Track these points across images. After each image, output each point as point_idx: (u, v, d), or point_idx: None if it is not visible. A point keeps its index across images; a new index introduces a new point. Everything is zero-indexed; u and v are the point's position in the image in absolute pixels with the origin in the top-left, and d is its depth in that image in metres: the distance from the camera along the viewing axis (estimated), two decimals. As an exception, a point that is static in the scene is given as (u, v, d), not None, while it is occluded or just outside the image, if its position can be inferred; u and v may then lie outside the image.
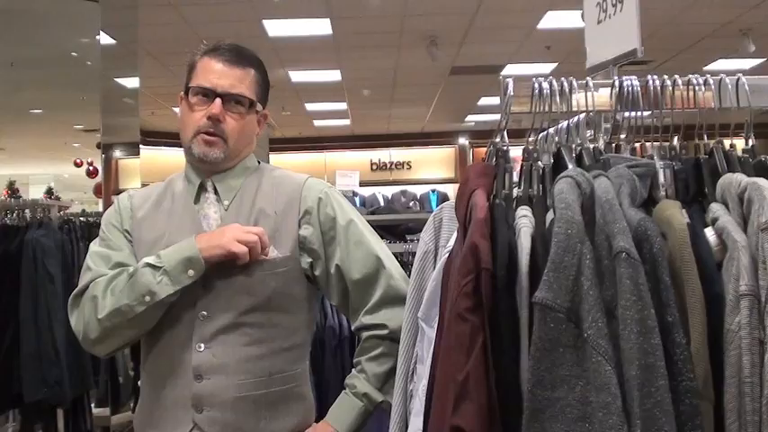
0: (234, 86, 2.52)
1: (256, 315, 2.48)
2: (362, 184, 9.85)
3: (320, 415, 2.65)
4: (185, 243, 2.42)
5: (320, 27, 10.11)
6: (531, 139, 2.07)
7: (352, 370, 2.62)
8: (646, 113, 2.16)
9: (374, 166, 20.45)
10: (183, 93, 2.59)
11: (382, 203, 17.00)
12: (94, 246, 2.60)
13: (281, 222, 2.54)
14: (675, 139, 2.09)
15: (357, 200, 11.35)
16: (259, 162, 2.71)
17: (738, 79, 2.15)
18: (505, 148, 2.07)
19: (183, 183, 2.63)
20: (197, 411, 2.42)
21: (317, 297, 2.70)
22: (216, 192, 2.58)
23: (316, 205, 2.57)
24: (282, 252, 2.51)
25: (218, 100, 2.48)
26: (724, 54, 11.89)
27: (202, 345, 2.44)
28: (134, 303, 2.38)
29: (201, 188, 2.59)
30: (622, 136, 2.17)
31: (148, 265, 2.40)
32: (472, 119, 19.12)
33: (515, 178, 2.04)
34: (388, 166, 20.59)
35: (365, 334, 2.60)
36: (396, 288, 2.57)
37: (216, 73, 2.52)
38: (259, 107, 2.61)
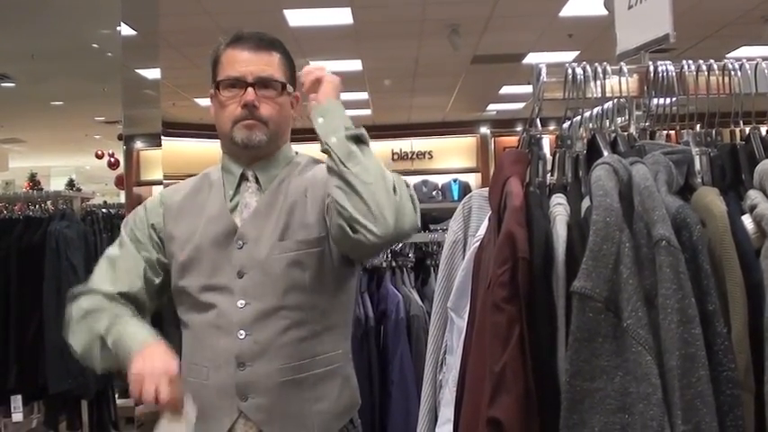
0: (263, 71, 2.51)
1: (295, 297, 2.46)
2: (384, 173, 9.82)
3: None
4: (135, 347, 2.38)
5: (341, 16, 10.05)
6: (564, 126, 2.05)
7: None
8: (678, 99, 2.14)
9: (395, 156, 20.35)
10: (212, 89, 2.58)
11: (403, 193, 16.96)
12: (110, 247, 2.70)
13: (314, 204, 2.51)
14: (708, 124, 2.07)
15: (379, 190, 11.33)
16: (296, 153, 2.71)
17: (775, 64, 2.13)
18: (539, 135, 2.04)
19: (220, 174, 2.63)
20: (242, 400, 2.41)
21: (355, 277, 2.68)
22: (257, 181, 2.57)
23: None
24: (315, 233, 2.49)
25: (250, 87, 2.49)
26: (747, 41, 11.79)
27: (243, 332, 2.42)
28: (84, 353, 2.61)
29: (243, 177, 2.58)
30: (651, 123, 2.15)
31: (102, 338, 2.51)
32: (494, 108, 19.02)
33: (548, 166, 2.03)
34: (410, 155, 20.48)
35: None
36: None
37: (243, 62, 2.52)
38: (290, 89, 2.60)
